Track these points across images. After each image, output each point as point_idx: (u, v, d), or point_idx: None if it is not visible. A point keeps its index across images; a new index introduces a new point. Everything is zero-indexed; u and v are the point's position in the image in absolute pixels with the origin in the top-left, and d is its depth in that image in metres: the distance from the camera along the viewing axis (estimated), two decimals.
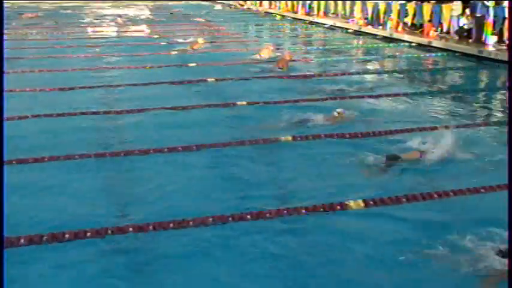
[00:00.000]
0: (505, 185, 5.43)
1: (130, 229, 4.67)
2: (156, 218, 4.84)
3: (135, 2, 40.87)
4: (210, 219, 4.84)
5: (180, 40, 18.20)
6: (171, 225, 4.73)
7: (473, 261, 4.18)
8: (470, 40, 16.05)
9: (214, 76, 11.63)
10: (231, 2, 39.97)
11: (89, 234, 4.55)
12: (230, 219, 4.87)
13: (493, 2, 15.09)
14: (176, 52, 15.40)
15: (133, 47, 16.90)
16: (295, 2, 28.82)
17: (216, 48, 16.66)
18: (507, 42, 14.73)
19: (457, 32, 16.99)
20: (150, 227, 4.70)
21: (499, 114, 8.99)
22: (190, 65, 13.40)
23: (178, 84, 10.99)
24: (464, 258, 4.22)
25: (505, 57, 13.73)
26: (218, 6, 38.15)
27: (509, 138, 6.10)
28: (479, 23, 15.70)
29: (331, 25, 23.44)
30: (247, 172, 6.20)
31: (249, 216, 4.91)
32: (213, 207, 5.13)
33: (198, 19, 27.52)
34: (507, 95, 10.13)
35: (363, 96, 9.94)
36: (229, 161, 6.58)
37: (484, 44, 15.36)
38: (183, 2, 43.51)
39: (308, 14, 27.09)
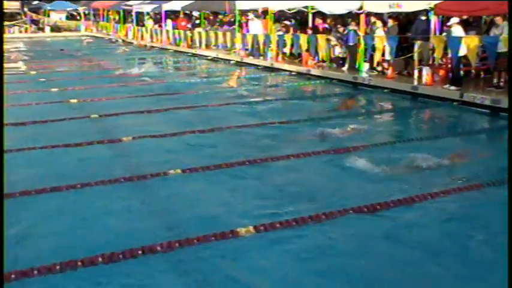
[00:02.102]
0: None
1: (13, 276, 4.39)
2: (42, 262, 4.59)
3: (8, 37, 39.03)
4: (100, 258, 4.68)
5: (60, 75, 17.63)
6: (58, 267, 4.52)
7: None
8: (345, 68, 17.01)
9: (97, 112, 11.37)
10: (111, 37, 39.40)
11: None
12: (121, 256, 4.75)
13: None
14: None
15: (8, 84, 16.09)
16: (176, 35, 28.98)
17: (99, 84, 16.32)
18: (378, 68, 15.82)
19: (333, 61, 17.95)
20: (35, 272, 4.46)
21: (377, 136, 9.49)
22: (72, 101, 13.00)
23: (59, 122, 10.61)
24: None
25: (376, 82, 14.76)
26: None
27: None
28: (353, 52, 16.72)
29: (214, 57, 23.88)
30: (137, 207, 6.10)
31: (140, 252, 4.81)
32: (102, 244, 4.97)
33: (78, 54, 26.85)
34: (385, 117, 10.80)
35: (248, 125, 10.16)
36: (118, 196, 6.43)
37: (357, 70, 16.36)
38: (61, 38, 42.30)
39: (190, 46, 27.34)
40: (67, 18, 53.78)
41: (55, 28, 48.95)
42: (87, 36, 43.91)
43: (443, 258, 4.84)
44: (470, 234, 5.37)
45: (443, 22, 14.20)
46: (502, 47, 11.83)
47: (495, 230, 5.35)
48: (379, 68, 15.79)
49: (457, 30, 13.01)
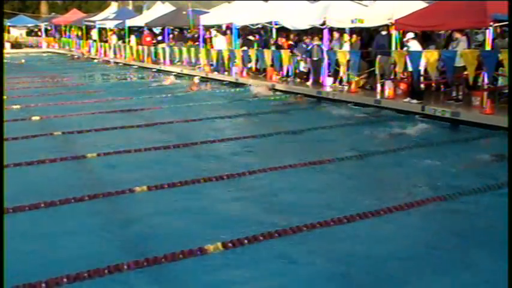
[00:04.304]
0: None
1: None
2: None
3: None
4: (65, 279, 4.60)
5: (21, 92, 17.32)
6: None
7: None
8: (309, 82, 17.19)
9: (61, 129, 11.20)
10: (74, 53, 38.99)
11: None
12: (86, 276, 4.67)
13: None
14: None
15: None
16: (140, 51, 28.86)
17: (62, 101, 16.10)
18: (342, 80, 16.07)
19: (297, 75, 18.14)
20: None
21: (344, 150, 9.58)
22: (34, 118, 12.78)
23: (22, 140, 10.40)
24: None
25: (340, 96, 14.98)
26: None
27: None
28: (317, 66, 16.93)
29: (178, 72, 23.85)
30: (102, 225, 6.01)
31: (106, 271, 4.75)
32: (68, 265, 4.88)
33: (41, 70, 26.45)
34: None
35: (214, 141, 10.16)
36: (83, 214, 6.34)
37: (321, 85, 16.57)
38: (22, 54, 41.61)
39: (154, 62, 27.25)
40: (28, 34, 52.98)
41: (16, 44, 48.11)
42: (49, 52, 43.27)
43: None
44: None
45: (401, 37, 14.51)
46: (460, 61, 12.15)
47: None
48: (344, 77, 15.87)
49: (414, 45, 13.32)
